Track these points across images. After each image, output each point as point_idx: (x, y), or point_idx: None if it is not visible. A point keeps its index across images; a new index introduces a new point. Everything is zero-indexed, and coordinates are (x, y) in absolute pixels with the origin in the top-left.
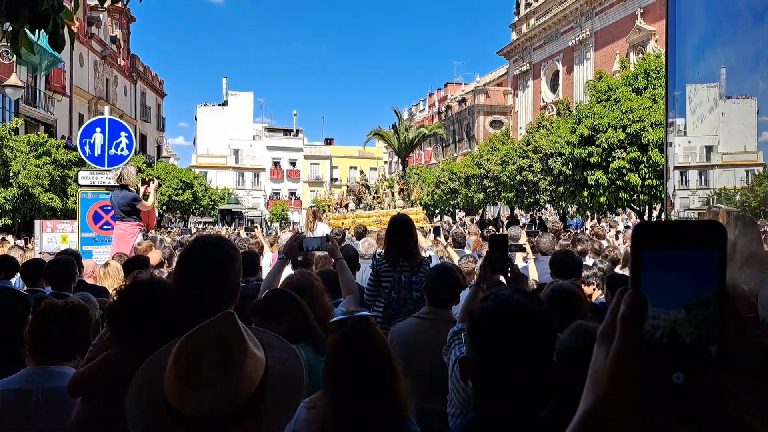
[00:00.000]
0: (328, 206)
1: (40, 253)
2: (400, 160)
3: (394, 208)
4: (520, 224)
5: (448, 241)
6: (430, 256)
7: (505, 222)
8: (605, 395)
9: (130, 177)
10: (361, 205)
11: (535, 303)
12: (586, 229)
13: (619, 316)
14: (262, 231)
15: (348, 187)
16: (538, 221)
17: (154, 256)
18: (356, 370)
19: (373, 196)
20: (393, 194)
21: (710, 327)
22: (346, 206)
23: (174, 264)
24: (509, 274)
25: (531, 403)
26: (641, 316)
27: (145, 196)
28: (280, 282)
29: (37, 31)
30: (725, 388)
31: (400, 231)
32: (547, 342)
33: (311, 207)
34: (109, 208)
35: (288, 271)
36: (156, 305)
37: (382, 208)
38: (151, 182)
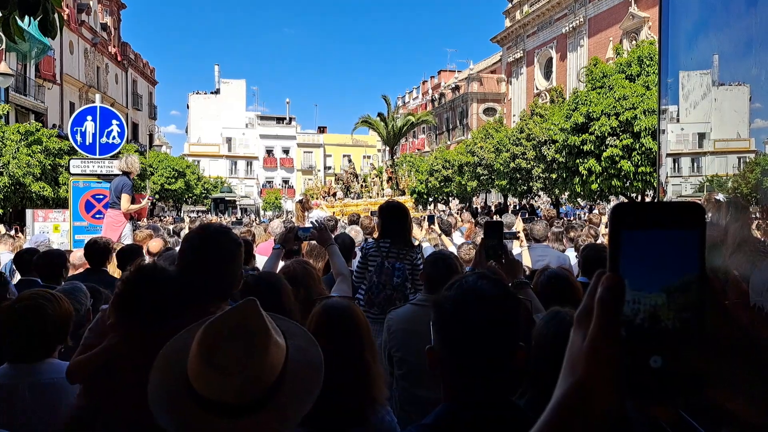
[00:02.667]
0: (315, 194)
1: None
2: (387, 148)
3: (383, 196)
4: (510, 211)
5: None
6: (420, 244)
7: (493, 210)
8: (582, 380)
9: (135, 165)
10: (350, 194)
11: (498, 288)
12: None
13: (596, 299)
14: (255, 220)
15: (336, 175)
16: (528, 208)
17: (154, 245)
18: (333, 347)
19: (361, 185)
20: (381, 183)
21: (690, 309)
22: (334, 195)
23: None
24: (504, 261)
25: (500, 390)
26: (619, 299)
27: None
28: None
29: (27, 17)
30: (704, 372)
31: (391, 216)
32: (511, 327)
33: (299, 200)
34: (101, 197)
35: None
36: (160, 291)
37: (370, 197)
38: (146, 198)
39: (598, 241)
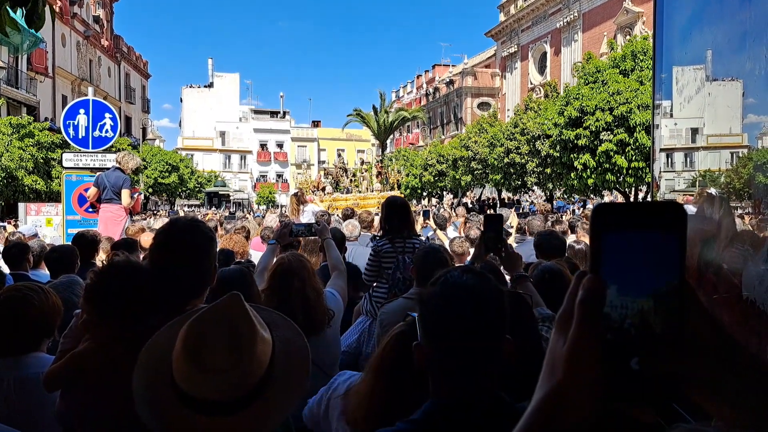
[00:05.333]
0: (306, 189)
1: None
2: (378, 142)
3: (372, 191)
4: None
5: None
6: (428, 237)
7: (485, 206)
8: (562, 382)
9: (130, 163)
10: (340, 189)
11: (484, 282)
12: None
13: (577, 301)
14: (249, 214)
15: (325, 170)
16: (518, 204)
17: (146, 239)
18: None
19: (351, 180)
20: (371, 177)
21: (673, 312)
22: (323, 189)
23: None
24: (503, 254)
25: (488, 384)
26: (600, 302)
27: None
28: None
29: (19, 9)
30: (683, 374)
31: (400, 212)
32: (497, 321)
33: (293, 194)
34: None
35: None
36: (133, 285)
37: (360, 192)
38: (138, 191)
39: None
